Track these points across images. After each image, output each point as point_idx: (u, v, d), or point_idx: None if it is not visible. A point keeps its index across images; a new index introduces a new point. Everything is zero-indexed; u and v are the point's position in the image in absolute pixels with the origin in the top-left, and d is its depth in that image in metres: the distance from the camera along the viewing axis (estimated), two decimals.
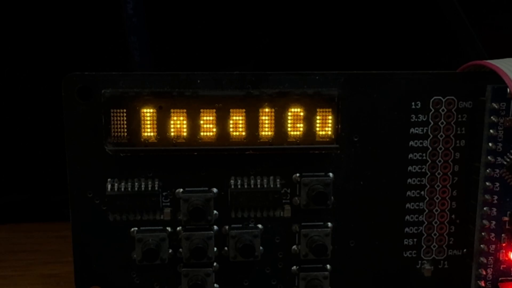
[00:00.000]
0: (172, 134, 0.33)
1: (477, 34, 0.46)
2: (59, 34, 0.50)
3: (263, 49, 0.54)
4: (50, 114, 0.47)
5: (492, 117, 0.34)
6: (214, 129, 0.33)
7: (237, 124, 0.33)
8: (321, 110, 0.34)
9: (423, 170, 0.35)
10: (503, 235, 0.35)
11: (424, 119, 0.35)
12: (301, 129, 0.34)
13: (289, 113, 0.33)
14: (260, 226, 0.35)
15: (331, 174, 0.35)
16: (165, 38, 0.51)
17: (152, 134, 0.33)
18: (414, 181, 0.35)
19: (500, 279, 0.35)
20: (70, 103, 0.33)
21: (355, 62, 0.53)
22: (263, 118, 0.33)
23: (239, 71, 0.34)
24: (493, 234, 0.35)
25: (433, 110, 0.35)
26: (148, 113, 0.33)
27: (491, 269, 0.35)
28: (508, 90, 0.33)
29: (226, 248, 0.35)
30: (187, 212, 0.34)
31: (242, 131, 0.33)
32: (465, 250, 0.36)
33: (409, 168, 0.35)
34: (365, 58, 0.53)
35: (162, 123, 0.33)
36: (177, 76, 0.33)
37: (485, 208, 0.34)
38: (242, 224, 0.35)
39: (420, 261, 0.36)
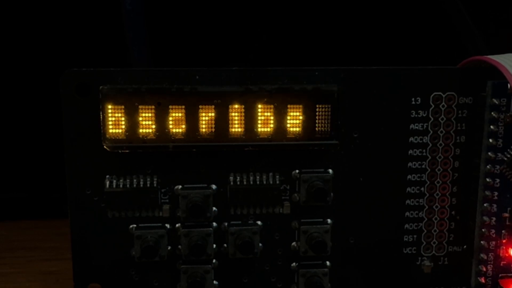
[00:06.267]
0: (171, 130, 0.33)
1: (477, 29, 0.46)
2: (57, 30, 0.50)
3: (262, 45, 0.54)
4: (48, 111, 0.47)
5: (492, 113, 0.34)
6: (213, 126, 0.33)
7: (236, 120, 0.33)
8: (321, 106, 0.33)
9: (423, 166, 0.35)
10: (503, 231, 0.35)
11: (424, 115, 0.35)
12: (301, 125, 0.34)
13: (289, 109, 0.33)
14: (259, 222, 0.35)
15: (330, 171, 0.35)
16: (164, 34, 0.51)
17: (150, 130, 0.33)
18: (414, 177, 0.35)
19: (500, 275, 0.35)
20: (68, 99, 0.33)
21: (355, 58, 0.53)
22: (262, 114, 0.33)
23: (238, 67, 0.34)
24: (493, 231, 0.35)
25: (433, 106, 0.35)
26: (146, 109, 0.33)
27: (491, 266, 0.35)
28: (509, 85, 0.33)
29: (225, 245, 0.35)
30: (186, 208, 0.34)
31: (241, 128, 0.33)
32: (465, 246, 0.36)
33: (409, 164, 0.35)
34: (365, 53, 0.53)
35: (160, 119, 0.33)
36: (176, 72, 0.33)
37: (485, 205, 0.34)
38: (241, 221, 0.35)
39: (420, 258, 0.36)
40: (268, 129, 0.33)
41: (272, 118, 0.33)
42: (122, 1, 0.44)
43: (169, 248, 0.34)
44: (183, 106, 0.33)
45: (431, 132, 0.35)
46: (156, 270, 0.35)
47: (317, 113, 0.34)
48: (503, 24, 0.50)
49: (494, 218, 0.35)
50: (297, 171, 0.34)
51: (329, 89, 0.33)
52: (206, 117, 0.33)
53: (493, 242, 0.35)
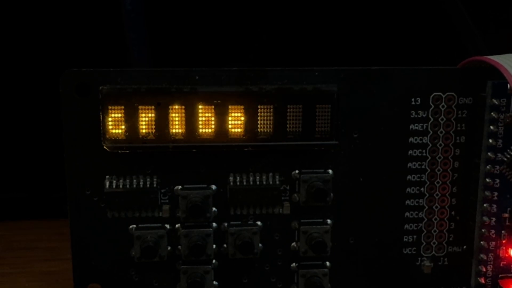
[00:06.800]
0: (171, 130, 0.33)
1: (477, 29, 0.46)
2: (58, 30, 0.50)
3: (262, 46, 0.54)
4: (48, 111, 0.47)
5: (492, 113, 0.34)
6: (213, 126, 0.33)
7: (236, 120, 0.33)
8: (321, 106, 0.33)
9: (423, 166, 0.35)
10: (503, 231, 0.35)
11: (424, 116, 0.35)
12: (300, 125, 0.33)
13: (288, 110, 0.33)
14: (259, 223, 0.35)
15: (330, 171, 0.35)
16: (164, 34, 0.51)
17: (150, 130, 0.33)
18: (414, 177, 0.35)
19: (500, 275, 0.35)
20: (68, 99, 0.33)
21: (354, 58, 0.53)
22: (262, 114, 0.33)
23: (238, 68, 0.33)
24: (493, 231, 0.35)
25: (433, 106, 0.35)
26: (146, 109, 0.33)
27: (491, 266, 0.35)
28: (509, 86, 0.33)
29: (225, 245, 0.35)
30: (185, 209, 0.34)
31: (241, 128, 0.33)
32: (465, 246, 0.36)
33: (409, 164, 0.35)
34: (365, 54, 0.53)
35: (160, 119, 0.33)
36: (176, 72, 0.33)
37: (485, 205, 0.34)
38: (241, 221, 0.35)
39: (420, 258, 0.36)
40: (268, 130, 0.33)
41: (272, 118, 0.33)
42: (122, 1, 0.44)
43: (169, 248, 0.34)
44: (183, 106, 0.33)
45: (431, 132, 0.35)
46: (156, 271, 0.35)
47: (317, 113, 0.33)
48: (503, 24, 0.50)
49: (494, 219, 0.35)
50: (297, 171, 0.34)
51: (329, 89, 0.33)
52: (206, 117, 0.33)
53: (493, 243, 0.35)
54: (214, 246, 0.35)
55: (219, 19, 0.53)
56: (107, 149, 0.33)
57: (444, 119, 0.35)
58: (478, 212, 0.35)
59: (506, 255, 0.35)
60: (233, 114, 0.33)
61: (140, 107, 0.33)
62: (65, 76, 0.33)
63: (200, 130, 0.33)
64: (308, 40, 0.54)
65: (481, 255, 0.35)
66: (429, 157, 0.35)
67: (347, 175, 0.35)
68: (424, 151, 0.35)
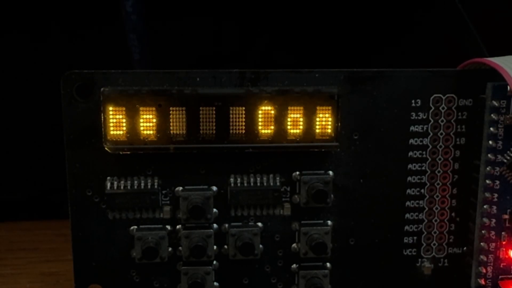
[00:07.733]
0: (172, 132, 0.33)
1: (477, 31, 0.46)
2: (58, 31, 0.50)
3: (262, 47, 0.54)
4: (49, 112, 0.47)
5: (492, 115, 0.34)
6: (214, 127, 0.33)
7: (236, 122, 0.33)
8: (321, 108, 0.34)
9: (423, 168, 0.35)
10: (503, 233, 0.35)
11: (424, 117, 0.35)
12: (301, 127, 0.34)
13: (289, 111, 0.33)
14: (259, 224, 0.35)
15: (331, 172, 0.35)
16: (165, 35, 0.51)
17: (151, 132, 0.33)
18: (414, 179, 0.35)
19: (500, 277, 0.35)
20: (69, 101, 0.33)
21: (355, 60, 0.53)
22: (263, 116, 0.33)
23: (238, 69, 0.34)
24: (493, 232, 0.35)
25: (433, 108, 0.35)
26: (147, 111, 0.33)
27: (491, 267, 0.35)
28: (508, 87, 0.33)
29: (225, 246, 0.35)
30: (186, 210, 0.34)
31: (241, 129, 0.33)
32: (465, 248, 0.36)
33: (409, 166, 0.35)
34: (365, 55, 0.53)
35: (161, 121, 0.33)
36: (176, 74, 0.33)
37: (485, 206, 0.34)
38: (241, 222, 0.35)
39: (420, 259, 0.36)
40: (269, 131, 0.34)
41: (272, 120, 0.33)
42: (123, 2, 0.44)
43: (169, 249, 0.35)
44: (184, 108, 0.33)
45: (431, 134, 0.35)
46: (156, 272, 0.35)
47: (317, 115, 0.34)
48: (503, 24, 0.50)
49: (494, 220, 0.35)
50: (297, 172, 0.35)
51: (329, 91, 0.33)
52: (207, 119, 0.33)
53: (493, 244, 0.35)
54: (215, 247, 0.35)
55: (219, 20, 0.53)
56: (108, 150, 0.33)
57: (444, 120, 0.35)
58: (478, 213, 0.35)
59: (506, 257, 0.35)
60: (234, 116, 0.33)
61: (141, 108, 0.33)
62: (66, 77, 0.33)
63: (201, 132, 0.33)
64: (308, 42, 0.54)
65: (481, 257, 0.35)
66: (429, 159, 0.35)
67: (348, 176, 0.35)
68: (424, 152, 0.35)
